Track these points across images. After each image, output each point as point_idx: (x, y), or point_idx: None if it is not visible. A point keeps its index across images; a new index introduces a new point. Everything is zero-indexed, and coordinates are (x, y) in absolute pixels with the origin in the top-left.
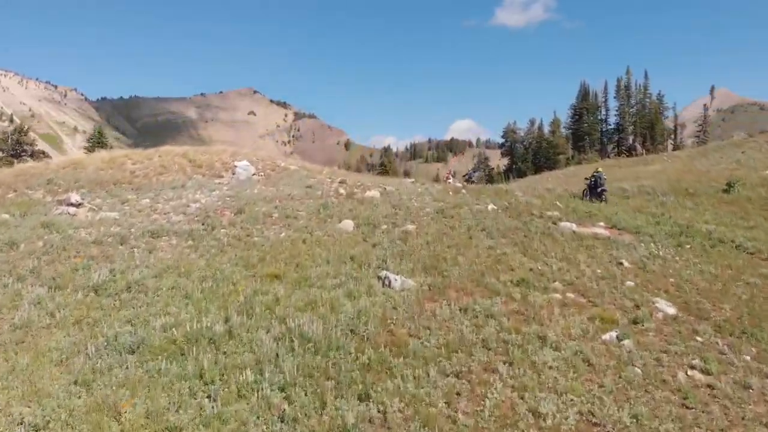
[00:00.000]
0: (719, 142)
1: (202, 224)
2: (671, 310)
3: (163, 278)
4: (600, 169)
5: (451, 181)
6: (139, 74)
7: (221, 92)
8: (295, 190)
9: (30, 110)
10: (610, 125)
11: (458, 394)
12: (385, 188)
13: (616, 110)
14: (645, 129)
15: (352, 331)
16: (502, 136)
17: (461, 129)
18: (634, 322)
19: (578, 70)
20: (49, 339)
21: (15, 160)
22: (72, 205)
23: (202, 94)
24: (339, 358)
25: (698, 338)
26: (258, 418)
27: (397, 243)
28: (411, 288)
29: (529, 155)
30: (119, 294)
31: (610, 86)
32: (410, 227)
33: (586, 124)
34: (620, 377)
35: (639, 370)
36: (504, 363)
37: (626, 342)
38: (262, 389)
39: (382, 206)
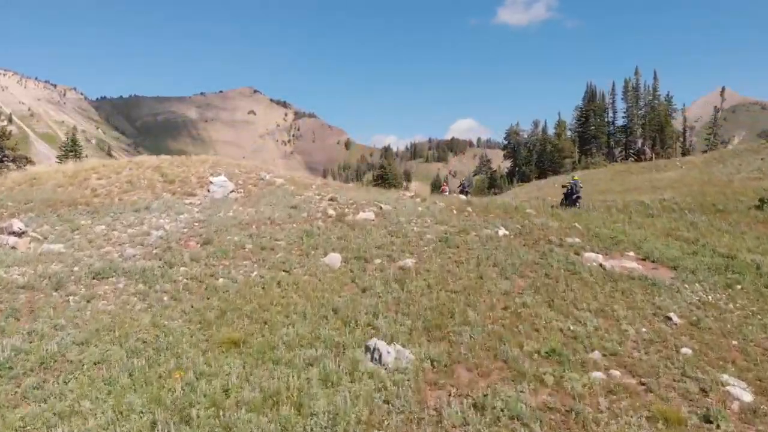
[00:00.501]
0: (736, 147)
1: (160, 260)
2: (747, 396)
3: (91, 346)
4: (576, 177)
5: (447, 192)
6: (138, 74)
7: (221, 91)
8: (277, 212)
9: (29, 109)
10: (617, 128)
11: None
12: (380, 207)
13: (624, 112)
14: (654, 132)
15: None
16: (505, 138)
17: (462, 128)
18: (707, 420)
19: (580, 69)
20: None
21: None
22: (13, 233)
23: (202, 93)
24: None
25: None
26: None
27: (392, 286)
28: (408, 365)
29: (532, 158)
30: (25, 376)
31: (617, 87)
32: (409, 262)
33: (593, 127)
34: None
35: None
36: None
37: None
38: None
39: (376, 232)
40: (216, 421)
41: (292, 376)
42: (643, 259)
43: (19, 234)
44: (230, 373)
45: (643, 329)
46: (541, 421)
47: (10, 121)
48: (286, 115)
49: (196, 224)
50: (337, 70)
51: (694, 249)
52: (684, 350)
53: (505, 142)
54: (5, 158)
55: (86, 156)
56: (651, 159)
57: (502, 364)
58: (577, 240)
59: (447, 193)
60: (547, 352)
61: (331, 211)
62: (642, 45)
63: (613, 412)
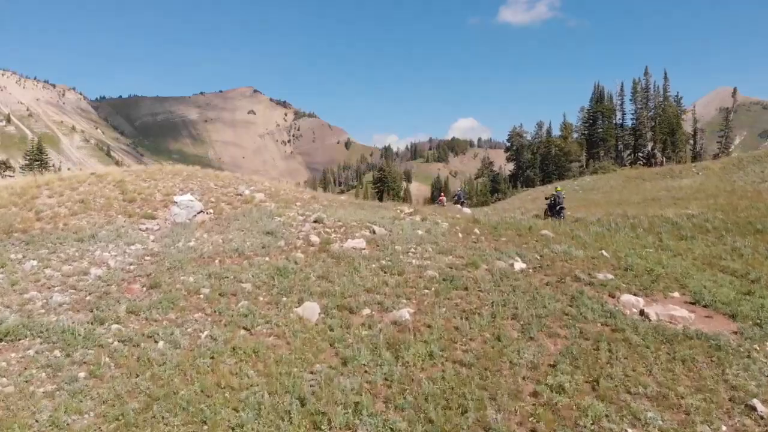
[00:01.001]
0: (755, 152)
1: (92, 311)
2: None
3: None
4: (559, 188)
5: (444, 202)
6: (138, 74)
7: (221, 91)
8: (249, 239)
9: (27, 109)
10: (626, 130)
11: None
12: (373, 231)
13: (632, 114)
14: (665, 135)
15: None
16: (508, 140)
17: (463, 128)
18: None
19: (583, 70)
20: None
21: None
22: None
23: (201, 93)
24: None
25: None
26: None
27: (383, 355)
28: None
29: (536, 161)
30: None
31: (626, 88)
32: (405, 313)
33: (600, 129)
34: None
35: None
36: None
37: None
38: None
39: (366, 267)
40: None
41: None
42: (693, 303)
43: None
44: None
45: (723, 428)
46: None
47: (9, 121)
48: (286, 115)
49: (147, 258)
50: (337, 69)
51: (747, 287)
52: None
53: (508, 144)
54: None
55: (55, 165)
56: (662, 163)
57: None
58: (609, 276)
59: (444, 204)
60: None
61: (314, 238)
62: (644, 46)
63: None
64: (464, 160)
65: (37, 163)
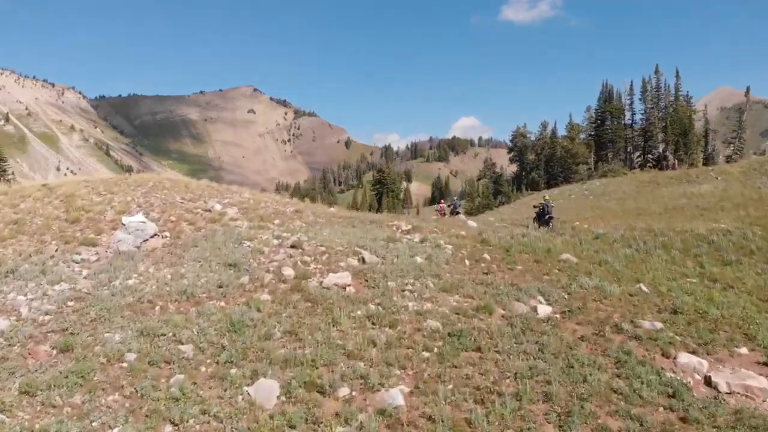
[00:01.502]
0: None
1: None
2: None
3: None
4: (547, 197)
5: (446, 211)
6: (137, 73)
7: (221, 90)
8: (205, 275)
9: (26, 109)
10: (635, 131)
11: None
12: (362, 259)
13: (642, 114)
14: (677, 136)
15: None
16: (511, 140)
17: (464, 127)
18: None
19: (586, 69)
20: None
21: None
22: None
23: (201, 92)
24: None
25: None
26: None
27: None
28: None
29: (541, 163)
30: None
31: (635, 87)
32: (397, 396)
33: (609, 130)
34: None
35: None
36: None
37: None
38: None
39: (349, 315)
40: None
41: None
42: (766, 364)
43: None
44: None
45: None
46: None
47: (8, 120)
48: (285, 114)
49: (71, 304)
50: (337, 68)
51: None
52: None
53: (511, 145)
54: None
55: (12, 176)
56: (674, 166)
57: None
58: (658, 324)
59: (445, 213)
60: None
61: (288, 271)
62: (646, 45)
63: None
64: (465, 159)
65: None
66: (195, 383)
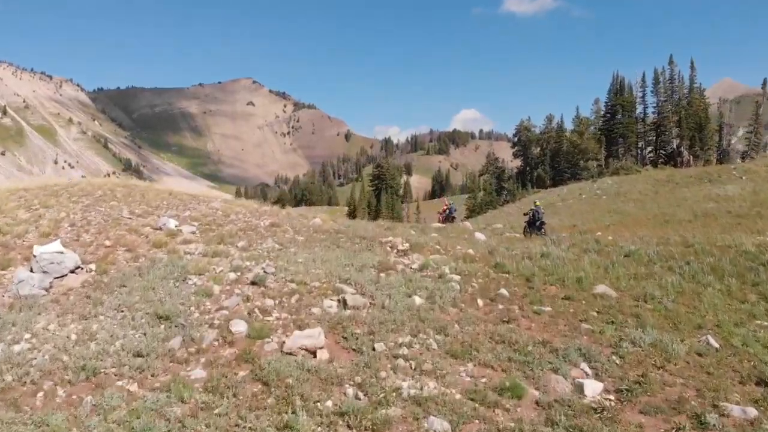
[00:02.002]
0: None
1: None
2: None
3: None
4: (538, 203)
5: (448, 213)
6: (135, 65)
7: (219, 82)
8: (124, 333)
9: (24, 101)
10: (647, 125)
11: None
12: (344, 300)
13: (654, 107)
14: (692, 131)
15: None
16: (515, 134)
17: (466, 119)
18: None
19: (589, 60)
20: None
21: None
22: None
23: (200, 84)
24: None
25: None
26: None
27: None
28: None
29: (546, 158)
30: None
31: (647, 78)
32: None
33: (620, 124)
34: None
35: None
36: None
37: None
38: None
39: (316, 409)
40: None
41: None
42: None
43: None
44: None
45: None
46: None
47: (5, 113)
48: (285, 106)
49: None
50: (337, 59)
51: None
52: None
53: (515, 139)
54: None
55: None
56: (688, 162)
57: None
58: (751, 411)
59: (451, 217)
60: None
61: (238, 326)
62: (649, 36)
63: None
64: (465, 152)
65: None
66: None
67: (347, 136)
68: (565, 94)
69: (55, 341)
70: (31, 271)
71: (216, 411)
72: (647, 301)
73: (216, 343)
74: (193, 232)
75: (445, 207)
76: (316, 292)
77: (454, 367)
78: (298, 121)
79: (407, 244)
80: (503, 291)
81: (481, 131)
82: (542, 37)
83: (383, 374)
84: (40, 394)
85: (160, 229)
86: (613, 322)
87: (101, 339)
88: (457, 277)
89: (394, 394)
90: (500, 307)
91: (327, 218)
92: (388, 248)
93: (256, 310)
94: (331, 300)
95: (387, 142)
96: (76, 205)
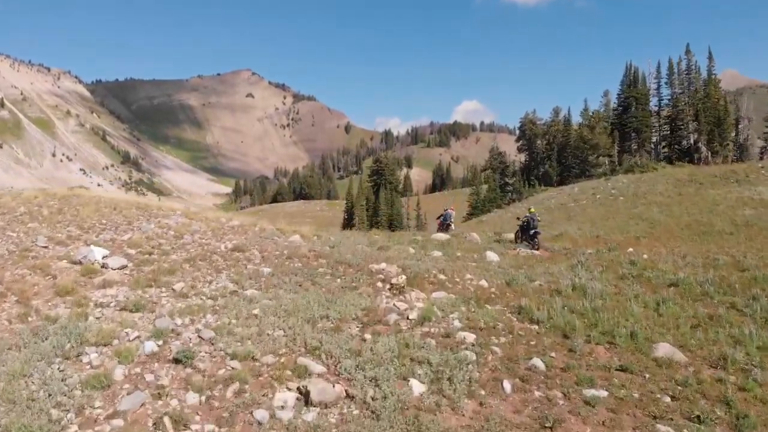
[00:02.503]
0: None
1: None
2: None
3: None
4: (532, 210)
5: (452, 216)
6: (133, 57)
7: (219, 74)
8: None
9: (21, 94)
10: (662, 119)
11: None
12: (306, 395)
13: (669, 99)
14: (711, 125)
15: None
16: (519, 128)
17: (467, 110)
18: None
19: (593, 51)
20: None
21: None
22: None
23: (199, 76)
24: None
25: None
26: None
27: None
28: None
29: (553, 153)
30: None
31: (660, 69)
32: None
33: (634, 118)
34: None
35: None
36: None
37: None
38: None
39: None
40: None
41: None
42: None
43: None
44: None
45: None
46: None
47: (2, 105)
48: (284, 98)
49: None
50: (336, 51)
51: None
52: None
53: (519, 133)
54: None
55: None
56: (706, 159)
57: None
58: None
59: (452, 223)
60: None
61: None
62: (652, 27)
63: None
64: (466, 144)
65: None
66: None
67: (347, 129)
68: (567, 85)
69: None
70: None
71: None
72: (727, 368)
73: None
74: (123, 267)
75: (440, 216)
76: (266, 375)
77: None
78: (297, 113)
79: (403, 277)
80: (537, 362)
81: (482, 123)
82: (544, 27)
83: None
84: None
85: (80, 262)
86: (699, 417)
87: None
88: (471, 337)
89: None
90: (537, 394)
91: (309, 233)
92: (379, 282)
93: (166, 419)
94: (288, 391)
95: (387, 134)
96: None
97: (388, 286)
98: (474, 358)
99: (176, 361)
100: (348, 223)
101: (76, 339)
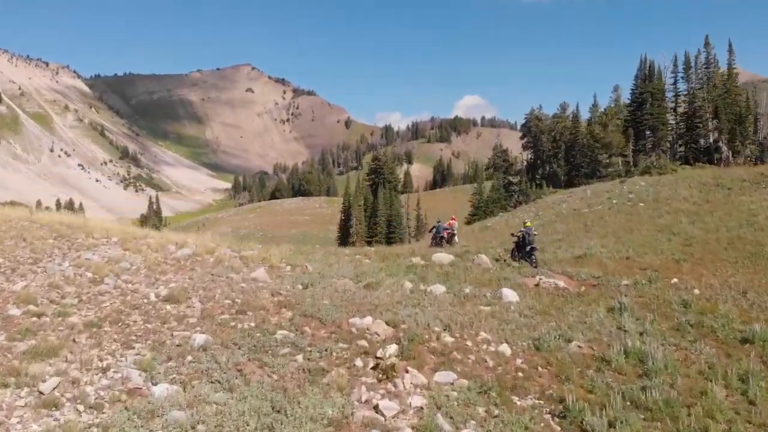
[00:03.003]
0: None
1: None
2: None
3: None
4: (529, 223)
5: (455, 227)
6: (132, 51)
7: (218, 69)
8: None
9: (19, 89)
10: (679, 116)
11: None
12: None
13: (685, 95)
14: (732, 123)
15: None
16: (524, 124)
17: (468, 105)
18: None
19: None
20: None
21: None
22: None
23: (198, 70)
24: None
25: None
26: None
27: None
28: None
29: (560, 151)
30: None
31: (677, 63)
32: None
33: (649, 115)
34: None
35: None
36: None
37: None
38: None
39: None
40: None
41: None
42: None
43: None
44: None
45: None
46: None
47: (0, 101)
48: (284, 92)
49: None
50: (337, 45)
51: None
52: None
53: (524, 129)
54: None
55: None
56: (727, 159)
57: None
58: None
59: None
60: None
61: None
62: (655, 23)
63: None
64: (467, 139)
65: None
66: None
67: (347, 124)
68: (570, 80)
69: None
70: None
71: None
72: None
73: None
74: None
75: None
76: None
77: None
78: (297, 108)
79: (394, 347)
80: None
81: (483, 118)
82: (547, 21)
83: None
84: None
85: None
86: None
87: None
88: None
89: None
90: None
91: (283, 258)
92: (359, 359)
93: None
94: None
95: (388, 129)
96: None
97: (371, 364)
98: None
99: None
100: (345, 225)
101: None
